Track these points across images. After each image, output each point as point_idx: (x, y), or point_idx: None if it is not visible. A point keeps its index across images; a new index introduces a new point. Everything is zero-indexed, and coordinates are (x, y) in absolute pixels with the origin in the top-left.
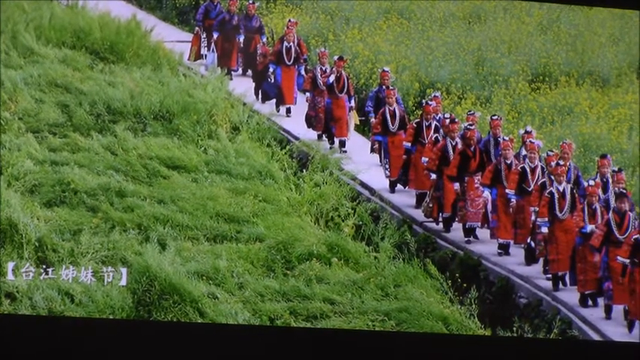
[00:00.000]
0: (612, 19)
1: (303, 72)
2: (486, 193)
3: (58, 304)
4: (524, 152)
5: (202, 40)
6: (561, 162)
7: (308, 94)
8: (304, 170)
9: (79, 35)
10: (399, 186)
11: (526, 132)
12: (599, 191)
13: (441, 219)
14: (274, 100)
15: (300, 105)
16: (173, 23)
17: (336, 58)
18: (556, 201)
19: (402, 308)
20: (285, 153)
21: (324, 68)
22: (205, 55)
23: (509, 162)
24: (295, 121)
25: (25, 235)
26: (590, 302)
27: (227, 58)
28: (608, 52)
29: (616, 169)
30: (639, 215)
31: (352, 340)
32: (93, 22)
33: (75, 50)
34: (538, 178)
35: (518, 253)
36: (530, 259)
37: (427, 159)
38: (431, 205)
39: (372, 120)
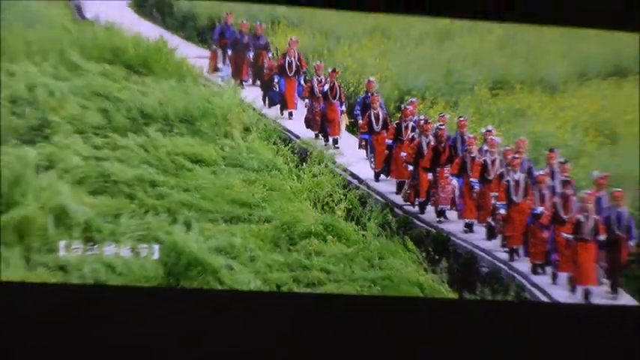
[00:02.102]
0: (560, 36)
1: (302, 82)
2: (454, 181)
3: (102, 274)
4: (485, 147)
5: (218, 56)
6: (516, 155)
7: (307, 100)
8: (304, 163)
9: (117, 52)
10: (382, 176)
11: (487, 131)
12: (548, 179)
13: (417, 203)
14: (279, 106)
15: (300, 109)
16: (194, 42)
17: (329, 70)
18: (512, 187)
19: (386, 276)
20: (288, 149)
21: (319, 79)
22: (221, 69)
23: (473, 155)
24: (296, 123)
25: (74, 219)
26: (539, 270)
27: (239, 71)
28: (556, 64)
29: (562, 160)
30: (580, 199)
31: (345, 302)
32: (127, 42)
33: (113, 65)
34: (497, 168)
35: (480, 230)
36: (491, 235)
37: (405, 153)
38: (409, 192)
39: (360, 121)
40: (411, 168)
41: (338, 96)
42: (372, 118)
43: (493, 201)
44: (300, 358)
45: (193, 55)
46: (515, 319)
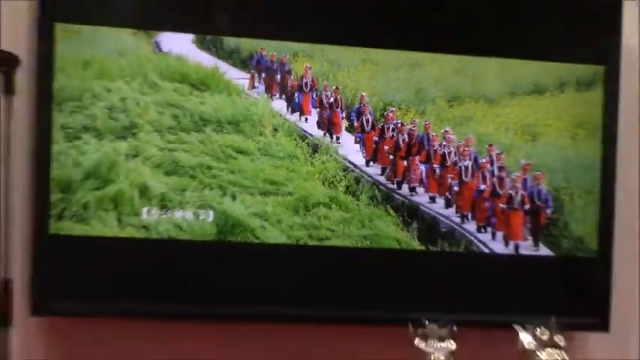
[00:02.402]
0: (496, 64)
1: (314, 96)
2: (422, 167)
3: (172, 232)
4: (444, 143)
5: (255, 78)
6: (466, 148)
7: (317, 109)
8: (315, 154)
9: (184, 75)
10: (371, 163)
11: (445, 131)
12: (488, 165)
13: (395, 182)
14: (298, 113)
15: (313, 116)
16: (238, 68)
17: (334, 88)
18: (463, 171)
19: (374, 234)
20: (305, 143)
21: (327, 94)
22: (257, 87)
23: (435, 149)
24: (310, 125)
25: (153, 192)
26: (483, 230)
27: (270, 88)
28: (494, 84)
29: (498, 152)
30: (511, 180)
31: (344, 252)
32: (191, 68)
33: (181, 84)
34: (452, 158)
35: (440, 201)
36: (448, 205)
37: (387, 147)
38: (390, 174)
39: (355, 124)
40: (391, 157)
41: (340, 106)
42: (364, 122)
43: (449, 180)
44: (311, 291)
45: (237, 77)
46: (465, 265)
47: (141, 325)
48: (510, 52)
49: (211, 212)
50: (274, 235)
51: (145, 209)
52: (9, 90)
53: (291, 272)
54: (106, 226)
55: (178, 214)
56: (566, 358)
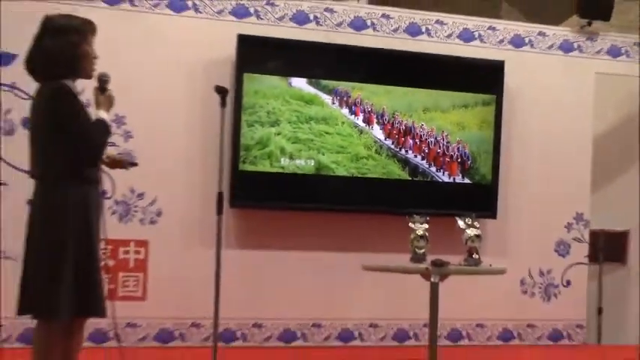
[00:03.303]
0: (446, 94)
1: (362, 107)
2: (410, 141)
3: (295, 170)
4: (421, 130)
5: (334, 98)
6: (432, 132)
7: (363, 113)
8: (361, 134)
9: (301, 97)
10: (387, 139)
11: (421, 124)
12: (442, 140)
13: (398, 148)
14: (353, 115)
15: (361, 116)
16: (326, 94)
17: (371, 103)
18: (430, 143)
19: (388, 172)
20: (356, 129)
21: (367, 107)
22: (335, 103)
23: (417, 132)
24: (359, 121)
25: (286, 150)
26: (438, 171)
27: (341, 104)
28: (444, 101)
29: (446, 134)
30: (452, 148)
31: (374, 180)
32: (305, 94)
33: (300, 101)
34: (425, 137)
35: (419, 157)
36: (423, 159)
37: (395, 131)
38: (395, 144)
39: (379, 120)
40: (396, 136)
41: (373, 112)
42: (384, 120)
43: (423, 147)
44: (358, 198)
45: (326, 98)
46: (431, 188)
47: (283, 213)
48: (453, 88)
49: (313, 160)
50: (341, 171)
51: (282, 159)
52: (223, 104)
53: (350, 189)
54: (264, 167)
55: (298, 162)
56: (480, 232)
